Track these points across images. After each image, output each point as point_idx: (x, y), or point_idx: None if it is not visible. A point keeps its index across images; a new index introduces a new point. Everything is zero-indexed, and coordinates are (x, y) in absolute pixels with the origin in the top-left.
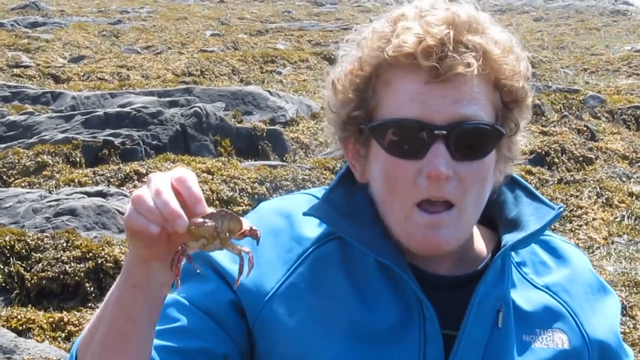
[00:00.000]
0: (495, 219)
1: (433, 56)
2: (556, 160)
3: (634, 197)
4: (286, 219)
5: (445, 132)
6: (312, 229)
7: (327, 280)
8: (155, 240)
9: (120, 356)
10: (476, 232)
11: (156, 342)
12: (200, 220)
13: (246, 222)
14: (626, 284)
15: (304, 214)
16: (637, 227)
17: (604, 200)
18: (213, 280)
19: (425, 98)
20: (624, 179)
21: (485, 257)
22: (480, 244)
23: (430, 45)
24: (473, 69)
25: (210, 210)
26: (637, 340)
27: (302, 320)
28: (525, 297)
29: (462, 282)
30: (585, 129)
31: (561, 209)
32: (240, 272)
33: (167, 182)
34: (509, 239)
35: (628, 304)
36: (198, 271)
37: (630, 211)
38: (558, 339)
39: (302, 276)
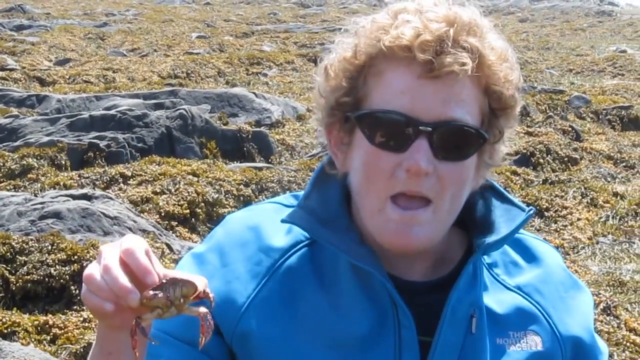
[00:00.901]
0: (465, 221)
1: (430, 50)
2: (541, 160)
3: (618, 197)
4: (253, 231)
5: (430, 129)
6: (280, 238)
7: (299, 290)
8: (115, 313)
9: None
10: (448, 235)
11: None
12: (152, 293)
13: (201, 283)
14: (611, 283)
15: (282, 220)
16: (621, 227)
17: (589, 201)
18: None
19: (415, 93)
20: (608, 179)
21: (457, 259)
22: (452, 247)
23: (428, 40)
24: (467, 68)
25: (166, 272)
26: (621, 340)
27: (276, 332)
28: (498, 300)
29: (435, 287)
30: (570, 129)
31: (531, 212)
32: (202, 333)
33: (115, 257)
34: (480, 242)
35: (612, 303)
36: (153, 343)
37: (614, 211)
38: (531, 341)
39: (273, 289)
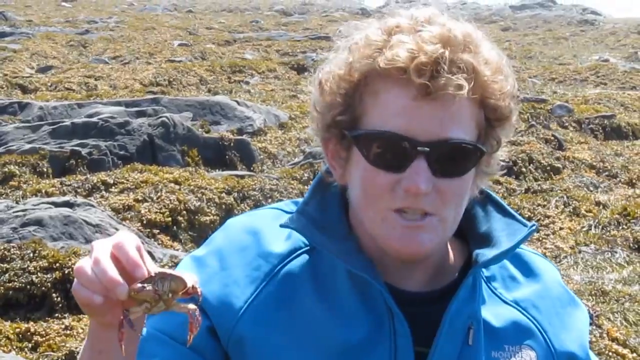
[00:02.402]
0: (465, 232)
1: (426, 74)
2: (524, 169)
3: (601, 207)
4: (253, 236)
5: (428, 149)
6: (279, 244)
7: (297, 297)
8: (105, 308)
9: None
10: (447, 245)
11: None
12: (139, 285)
13: (190, 279)
14: (593, 293)
15: (281, 225)
16: (604, 236)
17: (571, 210)
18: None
19: (412, 114)
20: (591, 188)
21: (456, 270)
22: (451, 258)
23: (424, 63)
24: (464, 91)
25: (157, 269)
26: (603, 349)
27: (272, 337)
28: (495, 313)
29: (432, 297)
30: (552, 138)
31: (534, 227)
32: (191, 330)
33: (106, 250)
34: (480, 254)
35: (594, 313)
36: (139, 335)
37: (597, 220)
38: (526, 356)
39: (271, 294)
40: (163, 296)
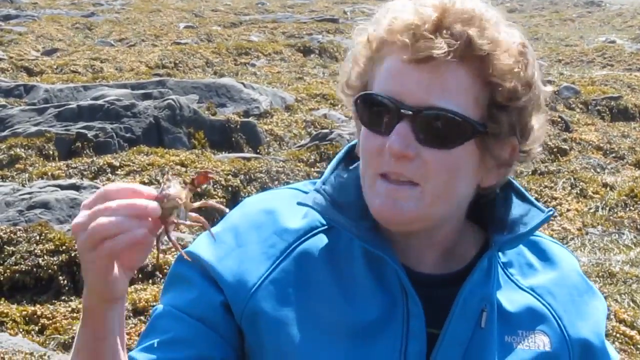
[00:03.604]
0: (485, 218)
1: (409, 33)
2: None
3: (608, 188)
4: (269, 214)
5: (410, 112)
6: (296, 222)
7: (311, 274)
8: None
9: None
10: (464, 230)
11: (151, 355)
12: (161, 193)
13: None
14: (600, 274)
15: (299, 203)
16: (611, 218)
17: (578, 191)
18: (200, 284)
19: (402, 78)
20: (598, 169)
21: (471, 255)
22: (467, 242)
23: (411, 24)
24: (443, 53)
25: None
26: (610, 331)
27: (285, 314)
28: (510, 298)
29: (446, 280)
30: (559, 120)
31: (551, 212)
32: (204, 227)
33: (99, 199)
34: (497, 239)
35: (602, 294)
36: (187, 259)
37: (604, 202)
38: (540, 341)
39: (286, 271)
40: (183, 199)
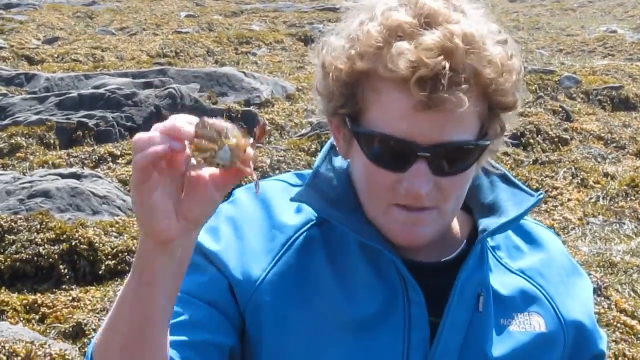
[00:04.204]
0: (469, 202)
1: (426, 89)
2: (531, 141)
3: (609, 178)
4: (264, 207)
5: (428, 154)
6: (291, 216)
7: (311, 268)
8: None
9: (142, 357)
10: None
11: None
12: (208, 120)
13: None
14: (601, 264)
15: (292, 199)
16: (612, 207)
17: (579, 181)
18: (208, 269)
19: (412, 121)
20: (599, 159)
21: (461, 241)
22: (456, 229)
23: (424, 77)
24: (464, 105)
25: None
26: (611, 321)
27: (287, 308)
28: (501, 282)
29: (440, 267)
30: (560, 109)
31: (541, 196)
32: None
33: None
34: (487, 223)
35: (603, 284)
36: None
37: (605, 192)
38: (535, 322)
39: (287, 265)
40: (234, 139)
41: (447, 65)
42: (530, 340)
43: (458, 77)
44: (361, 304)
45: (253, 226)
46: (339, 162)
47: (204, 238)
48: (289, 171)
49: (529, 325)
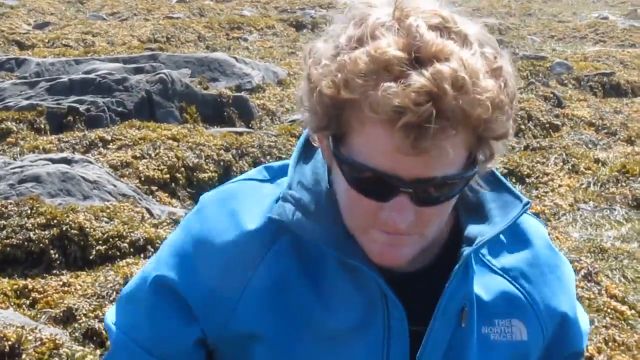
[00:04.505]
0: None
1: (410, 136)
2: (522, 127)
3: (600, 164)
4: (232, 218)
5: (411, 190)
6: (262, 225)
7: (286, 282)
8: None
9: None
10: None
11: None
12: None
13: None
14: (591, 250)
15: (270, 219)
16: (602, 193)
17: (570, 167)
18: (168, 313)
19: (396, 158)
20: (590, 145)
21: (442, 242)
22: (437, 233)
23: (409, 123)
24: (450, 155)
25: None
26: (602, 306)
27: (267, 324)
28: (484, 284)
29: (420, 275)
30: (551, 95)
31: (528, 205)
32: None
33: None
34: (473, 232)
35: (593, 270)
36: None
37: (596, 178)
38: (516, 330)
39: (261, 282)
40: None
41: (434, 112)
42: (511, 349)
43: (445, 123)
44: (339, 316)
45: (221, 240)
46: (314, 163)
47: (168, 264)
48: (281, 157)
49: (510, 333)
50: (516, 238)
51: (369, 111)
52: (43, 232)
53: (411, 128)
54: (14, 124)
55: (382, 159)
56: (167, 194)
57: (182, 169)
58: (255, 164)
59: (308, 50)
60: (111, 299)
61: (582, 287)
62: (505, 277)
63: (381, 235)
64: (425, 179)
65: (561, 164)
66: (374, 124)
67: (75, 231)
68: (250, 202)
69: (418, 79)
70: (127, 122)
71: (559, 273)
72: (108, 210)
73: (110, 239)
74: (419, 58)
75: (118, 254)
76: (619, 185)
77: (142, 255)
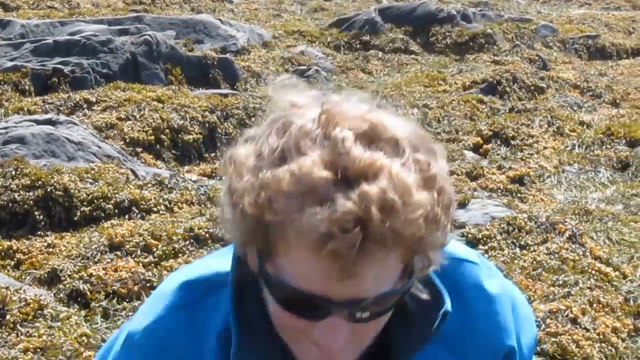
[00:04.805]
0: None
1: (338, 262)
2: (508, 89)
3: (584, 126)
4: (186, 338)
5: (343, 311)
6: (213, 340)
7: None
8: None
9: None
10: None
11: None
12: None
13: None
14: (576, 212)
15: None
16: (587, 156)
17: (555, 129)
18: None
19: (326, 281)
20: (575, 108)
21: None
22: None
23: (336, 250)
24: (381, 277)
25: None
26: (586, 268)
27: None
28: (420, 352)
29: None
30: (537, 58)
31: (445, 307)
32: None
33: None
34: (399, 339)
35: (578, 231)
36: None
37: (580, 140)
38: None
39: None
40: None
41: (361, 237)
42: None
43: (375, 247)
44: None
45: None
46: (247, 283)
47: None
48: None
49: None
50: (458, 299)
51: (293, 237)
52: (27, 194)
53: (339, 254)
54: None
55: (311, 282)
56: (151, 156)
57: (167, 130)
58: (240, 125)
59: (229, 157)
60: (95, 260)
61: (567, 249)
62: (442, 346)
63: (315, 349)
64: (358, 299)
65: (546, 126)
66: (300, 248)
67: (60, 192)
68: (205, 309)
69: (344, 203)
70: (112, 84)
71: (493, 311)
72: (93, 172)
73: (95, 200)
74: (345, 177)
75: (103, 215)
76: (604, 147)
77: (126, 217)
